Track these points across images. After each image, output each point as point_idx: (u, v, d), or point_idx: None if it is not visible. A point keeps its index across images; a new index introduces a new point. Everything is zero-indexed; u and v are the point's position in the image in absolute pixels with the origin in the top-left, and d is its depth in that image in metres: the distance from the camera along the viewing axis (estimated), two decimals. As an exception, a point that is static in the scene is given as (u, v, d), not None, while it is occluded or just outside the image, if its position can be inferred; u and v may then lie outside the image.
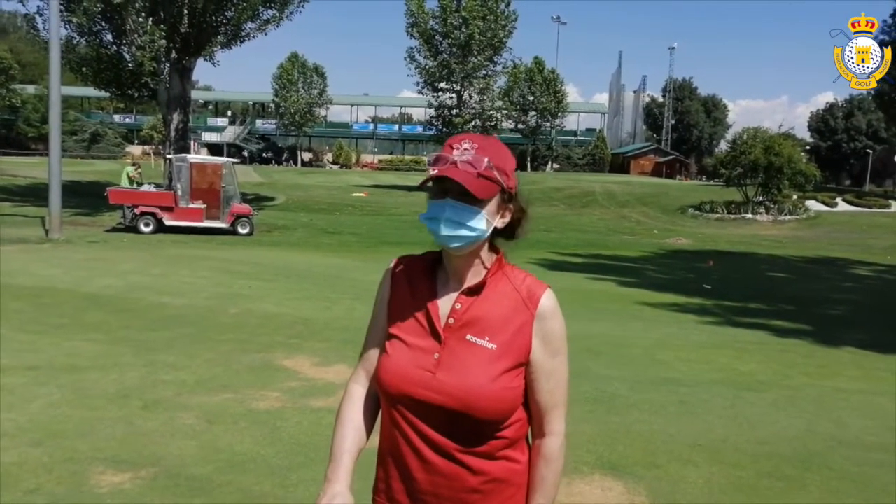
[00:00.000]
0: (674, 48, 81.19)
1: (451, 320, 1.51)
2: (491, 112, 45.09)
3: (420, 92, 44.84)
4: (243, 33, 24.86)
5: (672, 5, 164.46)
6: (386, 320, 1.60)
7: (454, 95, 43.81)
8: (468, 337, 1.49)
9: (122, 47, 23.18)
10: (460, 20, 40.95)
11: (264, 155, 62.51)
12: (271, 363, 6.04)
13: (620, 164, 64.61)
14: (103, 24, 22.84)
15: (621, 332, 8.51)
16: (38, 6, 22.15)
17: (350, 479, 1.50)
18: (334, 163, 64.57)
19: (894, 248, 25.49)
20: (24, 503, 3.33)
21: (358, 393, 1.64)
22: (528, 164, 61.49)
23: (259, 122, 67.85)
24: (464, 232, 1.45)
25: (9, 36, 70.27)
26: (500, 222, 1.52)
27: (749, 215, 34.57)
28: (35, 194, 23.89)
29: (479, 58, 42.08)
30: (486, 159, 1.45)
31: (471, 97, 43.89)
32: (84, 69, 23.57)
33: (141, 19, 21.74)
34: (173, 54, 23.16)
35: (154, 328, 7.16)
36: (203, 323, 7.55)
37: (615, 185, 43.88)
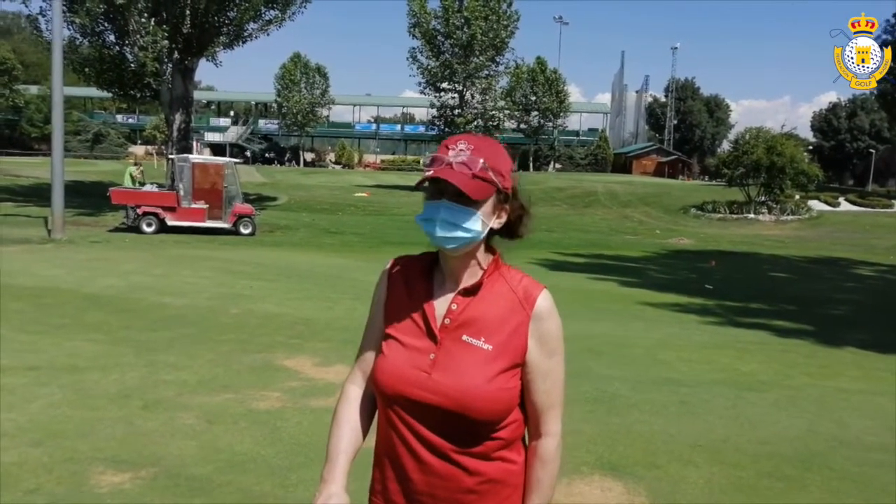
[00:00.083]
0: (676, 48, 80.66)
1: (447, 321, 1.51)
2: (493, 112, 45.11)
3: (422, 92, 44.91)
4: (245, 34, 24.91)
5: (674, 5, 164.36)
6: (382, 321, 1.60)
7: (456, 95, 43.85)
8: (464, 337, 1.49)
9: (125, 48, 23.23)
10: (462, 20, 40.98)
11: (267, 155, 62.59)
12: (272, 363, 6.04)
13: (623, 165, 64.56)
14: (106, 24, 22.89)
15: (623, 332, 8.50)
16: (41, 7, 22.31)
17: (346, 479, 1.50)
18: (337, 163, 64.64)
19: (897, 248, 25.42)
20: (24, 503, 3.34)
21: (354, 393, 1.64)
22: (531, 165, 61.49)
23: (262, 123, 67.93)
24: (459, 233, 1.45)
25: (12, 37, 70.41)
26: (496, 223, 1.52)
27: (751, 215, 34.53)
28: (38, 194, 23.94)
29: (481, 58, 42.11)
30: (481, 160, 1.45)
31: (473, 97, 43.93)
32: (87, 69, 23.62)
33: (143, 20, 21.79)
34: (175, 55, 23.20)
35: (155, 328, 7.17)
36: (204, 323, 7.55)
37: (617, 185, 43.85)
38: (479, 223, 1.46)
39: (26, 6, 22.46)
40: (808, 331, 9.21)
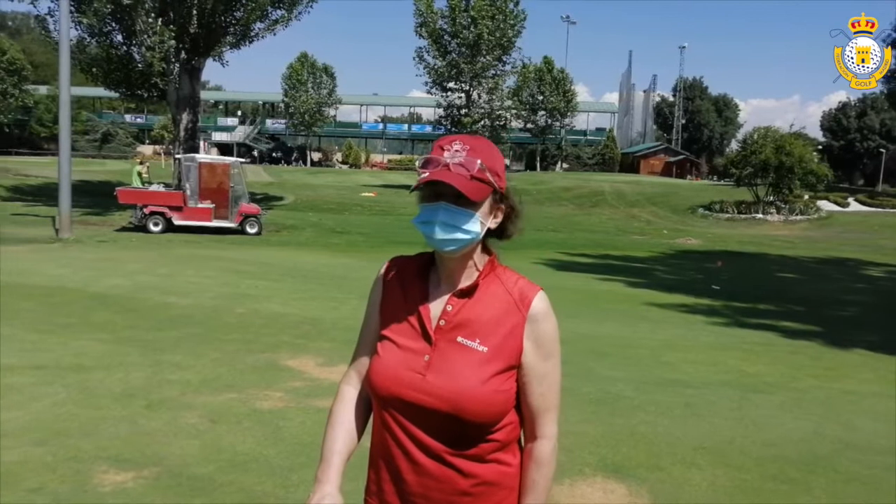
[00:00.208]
0: (684, 47, 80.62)
1: (441, 322, 1.50)
2: (500, 112, 45.05)
3: (429, 92, 44.93)
4: (252, 33, 24.99)
5: (682, 4, 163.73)
6: (378, 322, 1.60)
7: (463, 95, 43.81)
8: (459, 339, 1.48)
9: (132, 48, 23.33)
10: (469, 20, 40.97)
11: (274, 155, 62.72)
12: (276, 363, 6.05)
13: (630, 164, 64.37)
14: (113, 24, 23.00)
15: (628, 333, 8.47)
16: (50, 7, 22.35)
17: (340, 480, 1.50)
18: (343, 163, 64.72)
19: (907, 249, 25.24)
20: (27, 501, 3.35)
21: (350, 394, 1.64)
22: (538, 164, 61.40)
23: (269, 122, 68.09)
24: (459, 235, 1.44)
25: (22, 37, 70.88)
26: (492, 223, 1.52)
27: (760, 215, 34.37)
28: (46, 194, 24.08)
29: (487, 57, 42.09)
30: (478, 161, 1.44)
31: (479, 97, 43.90)
32: (94, 69, 23.76)
33: (150, 20, 21.88)
34: (182, 55, 23.30)
35: (160, 328, 7.19)
36: (209, 323, 7.57)
37: (625, 184, 43.71)
38: (477, 224, 1.46)
39: (35, 7, 22.63)
40: (816, 332, 9.15)
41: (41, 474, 3.63)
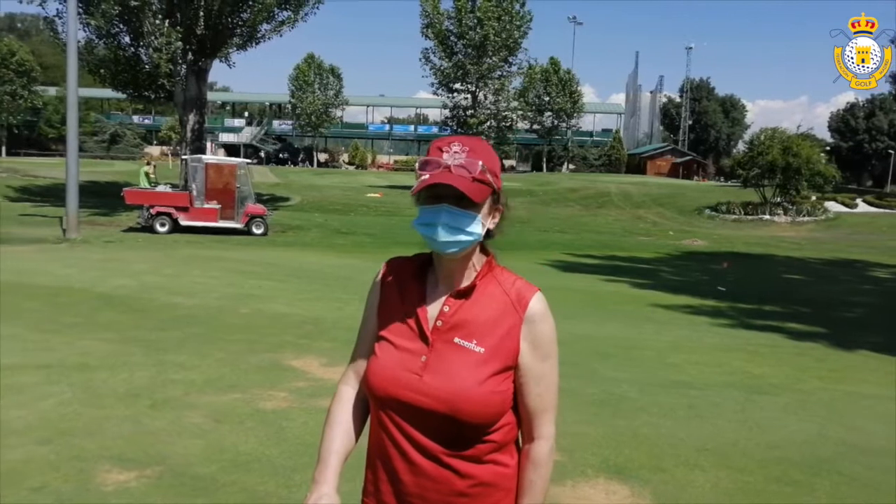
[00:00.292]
0: (691, 48, 79.85)
1: (438, 323, 1.50)
2: (506, 112, 45.00)
3: (435, 93, 44.93)
4: (258, 35, 25.06)
5: (689, 5, 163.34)
6: (375, 322, 1.60)
7: (469, 96, 43.78)
8: (456, 340, 1.48)
9: (140, 49, 23.44)
10: (475, 21, 40.93)
11: (281, 156, 62.88)
12: (280, 363, 6.06)
13: (637, 165, 64.21)
14: (121, 26, 23.12)
15: (633, 334, 8.45)
16: (58, 9, 22.49)
17: (337, 480, 1.50)
18: (350, 163, 64.82)
19: (915, 250, 25.09)
20: (29, 500, 3.37)
21: (347, 394, 1.64)
22: (544, 165, 61.34)
23: (276, 123, 68.26)
24: (462, 237, 1.45)
25: (31, 39, 71.32)
26: (491, 224, 1.53)
27: (766, 216, 34.23)
28: (54, 194, 24.21)
29: (493, 58, 42.04)
30: (479, 162, 1.44)
31: (486, 98, 43.84)
32: (102, 71, 23.87)
33: (158, 21, 21.98)
34: (189, 56, 23.38)
35: (165, 328, 7.22)
36: (213, 323, 7.60)
37: (631, 185, 43.61)
38: (479, 226, 1.47)
39: (44, 9, 22.76)
40: (822, 333, 9.11)
41: (45, 473, 3.65)
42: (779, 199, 35.33)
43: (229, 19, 23.86)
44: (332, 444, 1.56)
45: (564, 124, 60.25)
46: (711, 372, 6.76)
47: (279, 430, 4.44)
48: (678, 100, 77.87)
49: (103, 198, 23.52)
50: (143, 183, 21.66)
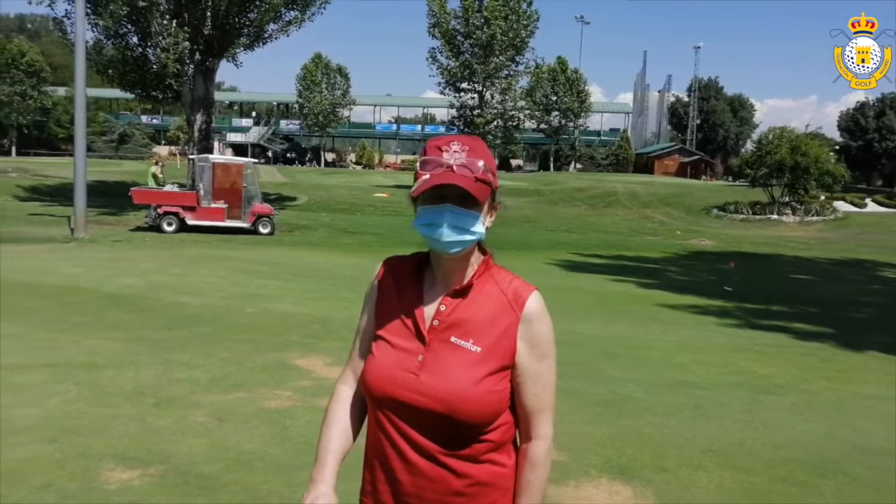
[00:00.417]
0: (699, 47, 79.61)
1: (435, 322, 1.50)
2: (513, 112, 44.94)
3: (442, 92, 44.89)
4: (265, 34, 25.14)
5: (698, 4, 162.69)
6: (373, 322, 1.60)
7: (476, 96, 43.74)
8: (452, 339, 1.48)
9: (147, 49, 23.56)
10: (482, 20, 40.89)
11: (288, 155, 62.98)
12: (285, 362, 6.08)
13: (644, 165, 63.97)
14: (129, 26, 23.25)
15: (639, 334, 8.42)
16: (67, 10, 22.61)
17: (335, 479, 1.51)
18: (357, 163, 64.89)
19: (925, 250, 24.88)
20: (35, 498, 3.39)
21: (345, 394, 1.65)
22: (551, 165, 61.22)
23: (283, 123, 68.42)
24: (466, 237, 1.45)
25: (41, 39, 71.74)
26: (489, 222, 1.53)
27: (775, 216, 34.02)
28: (63, 194, 24.33)
29: (500, 58, 41.98)
30: (481, 162, 1.45)
31: (493, 97, 43.79)
32: (110, 71, 24.01)
33: (165, 22, 22.08)
34: (197, 56, 23.48)
35: (171, 327, 7.25)
36: (220, 322, 7.63)
37: (638, 185, 43.46)
38: (481, 225, 1.48)
39: (53, 9, 22.90)
40: (829, 334, 9.05)
41: (50, 471, 3.67)
42: (787, 198, 35.12)
43: (236, 19, 23.95)
44: (330, 444, 1.56)
45: (572, 124, 60.11)
46: (717, 372, 6.73)
47: (283, 429, 4.45)
48: (686, 99, 77.59)
49: (111, 197, 23.63)
50: (151, 183, 21.76)
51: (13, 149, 55.12)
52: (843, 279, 16.37)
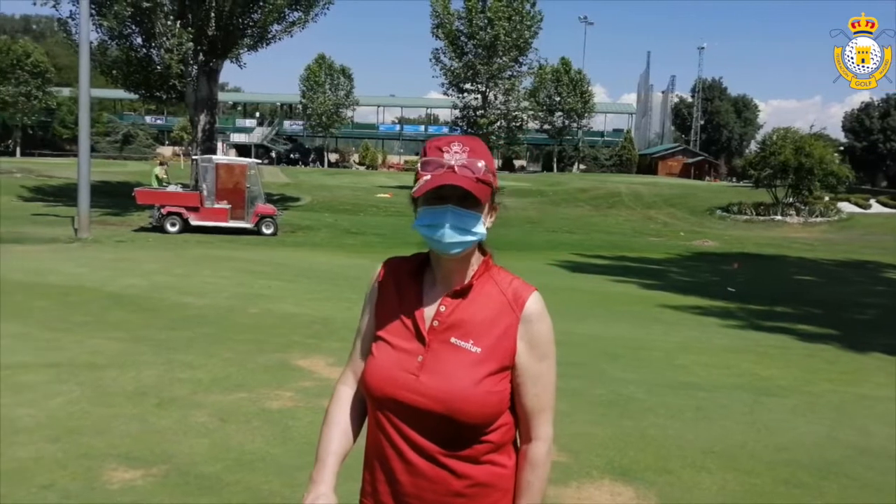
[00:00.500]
0: (703, 48, 79.33)
1: (435, 323, 1.50)
2: (516, 113, 44.90)
3: (445, 93, 44.89)
4: (269, 35, 25.17)
5: (701, 5, 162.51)
6: (373, 322, 1.60)
7: (479, 96, 43.72)
8: (452, 340, 1.48)
9: (151, 50, 23.61)
10: (486, 21, 40.87)
11: (292, 156, 63.01)
12: (287, 363, 6.08)
13: (648, 165, 63.86)
14: (133, 27, 23.29)
15: (641, 335, 8.41)
16: (71, 11, 22.67)
17: (335, 480, 1.51)
18: (360, 164, 64.93)
19: (930, 252, 24.80)
20: (37, 498, 3.40)
21: (345, 395, 1.65)
22: (555, 165, 61.17)
23: (286, 124, 68.46)
24: (468, 238, 1.45)
25: (46, 40, 71.98)
26: (489, 222, 1.53)
27: (778, 217, 33.94)
28: (67, 194, 24.39)
29: (504, 58, 41.94)
30: (481, 162, 1.45)
31: (496, 98, 43.76)
32: (114, 72, 24.06)
33: (169, 22, 22.12)
34: (200, 56, 23.52)
35: (174, 327, 7.26)
36: (222, 322, 7.64)
37: (642, 186, 43.40)
38: (482, 225, 1.47)
39: (57, 10, 22.96)
40: (833, 335, 9.02)
41: (53, 471, 3.68)
42: (791, 199, 35.04)
43: (240, 20, 23.98)
44: (330, 445, 1.56)
45: (575, 124, 60.03)
46: (720, 373, 6.72)
47: (285, 429, 4.46)
48: (690, 100, 77.40)
49: (115, 198, 23.68)
50: (155, 184, 21.80)
51: (17, 149, 55.27)
52: (847, 280, 16.33)
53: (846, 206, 36.38)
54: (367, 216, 27.63)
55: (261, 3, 23.80)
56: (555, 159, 61.66)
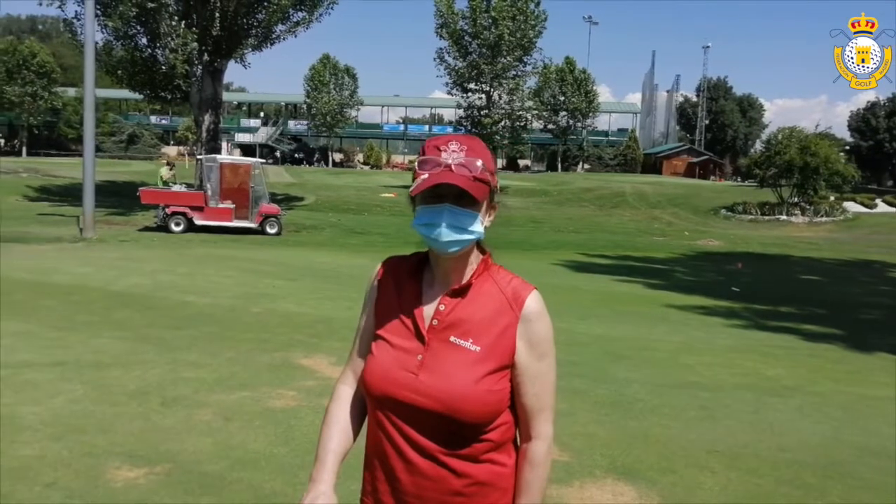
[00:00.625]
0: (708, 47, 79.68)
1: (434, 322, 1.50)
2: (521, 112, 44.86)
3: (449, 93, 44.88)
4: (274, 35, 25.23)
5: (706, 4, 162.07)
6: (373, 321, 1.60)
7: (483, 96, 43.70)
8: (452, 339, 1.48)
9: (156, 50, 23.69)
10: (490, 20, 40.85)
11: (296, 156, 63.11)
12: (290, 362, 6.09)
13: (652, 165, 63.77)
14: (138, 27, 23.37)
15: (645, 335, 8.39)
16: (77, 11, 22.73)
17: (334, 479, 1.50)
18: (365, 163, 64.98)
19: (936, 251, 24.68)
20: (40, 496, 3.41)
21: (345, 394, 1.65)
22: (559, 165, 61.11)
23: (291, 123, 68.57)
24: (465, 236, 1.45)
25: (51, 41, 72.25)
26: (488, 221, 1.52)
27: (783, 217, 33.86)
28: (72, 194, 24.47)
29: (508, 58, 41.90)
30: (479, 162, 1.44)
31: (500, 97, 43.73)
32: (119, 72, 24.16)
33: (174, 23, 22.18)
34: (205, 56, 23.58)
35: (178, 326, 7.28)
36: (226, 322, 7.65)
37: (646, 185, 43.34)
38: (479, 224, 1.47)
39: (62, 10, 23.04)
40: (838, 335, 8.99)
41: (56, 469, 3.69)
42: (796, 199, 34.95)
43: (244, 20, 24.04)
44: (330, 444, 1.56)
45: (580, 124, 59.97)
46: (724, 373, 6.70)
47: (287, 428, 4.46)
48: (695, 99, 77.25)
49: (120, 197, 23.76)
50: (160, 184, 21.88)
51: (23, 149, 55.51)
52: (853, 280, 16.27)
53: (852, 206, 36.27)
54: (371, 216, 27.65)
55: (265, 4, 23.85)
56: (559, 159, 61.62)
